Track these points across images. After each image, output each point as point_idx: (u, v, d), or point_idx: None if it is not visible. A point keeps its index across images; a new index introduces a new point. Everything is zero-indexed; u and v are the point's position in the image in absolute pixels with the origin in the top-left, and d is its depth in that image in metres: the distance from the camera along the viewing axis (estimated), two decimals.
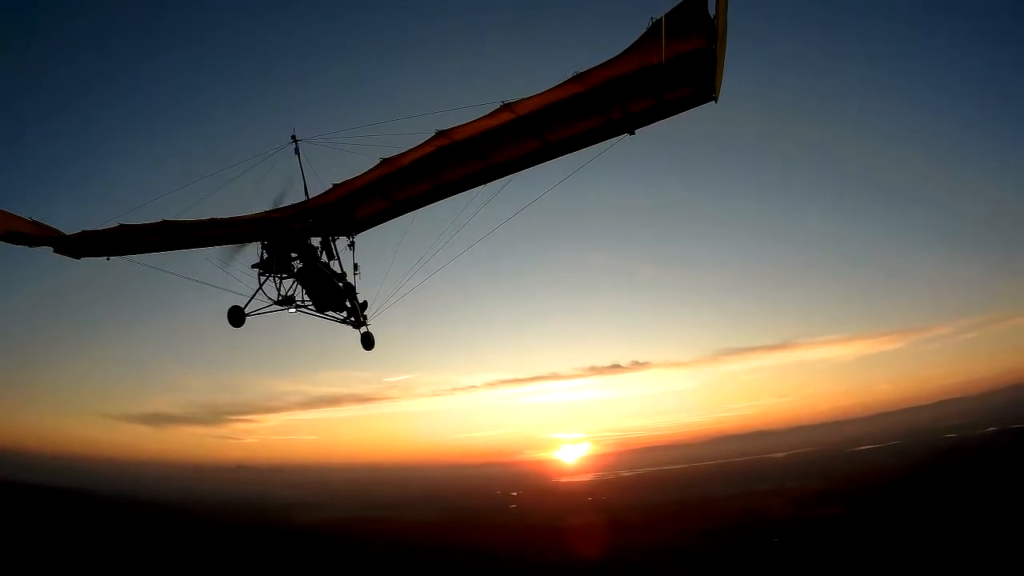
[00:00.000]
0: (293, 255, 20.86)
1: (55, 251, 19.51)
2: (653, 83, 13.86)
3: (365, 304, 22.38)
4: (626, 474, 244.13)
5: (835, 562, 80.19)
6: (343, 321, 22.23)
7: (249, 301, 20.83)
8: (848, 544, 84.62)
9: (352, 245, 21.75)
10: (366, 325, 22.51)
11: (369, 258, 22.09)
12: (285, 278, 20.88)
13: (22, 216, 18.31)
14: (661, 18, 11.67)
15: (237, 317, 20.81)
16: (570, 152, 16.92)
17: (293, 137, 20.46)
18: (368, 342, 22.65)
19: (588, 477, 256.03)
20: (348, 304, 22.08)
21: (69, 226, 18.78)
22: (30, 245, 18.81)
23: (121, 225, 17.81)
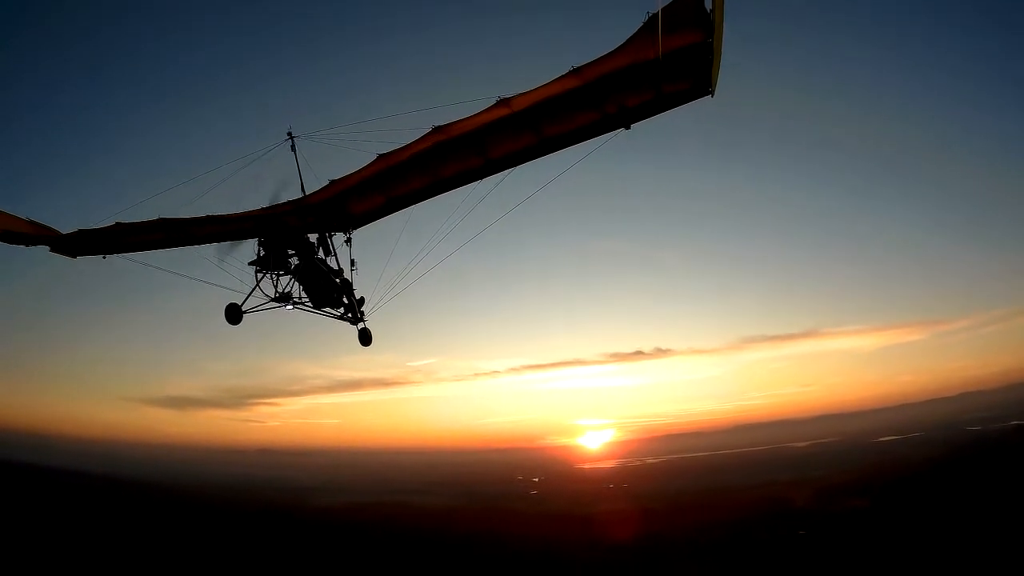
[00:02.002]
0: (290, 252, 20.81)
1: (51, 250, 19.53)
2: (650, 77, 13.71)
3: (362, 300, 22.28)
4: (650, 460, 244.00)
5: (861, 556, 79.62)
6: (340, 317, 22.17)
7: (246, 298, 20.79)
8: (873, 538, 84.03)
9: (349, 241, 21.69)
10: (363, 321, 22.43)
11: (368, 254, 21.93)
12: (282, 275, 20.84)
13: (19, 215, 18.34)
14: (658, 12, 11.50)
15: (234, 314, 20.75)
16: (567, 147, 16.76)
17: (289, 134, 20.41)
18: (365, 338, 22.54)
19: (611, 463, 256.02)
20: (345, 300, 22.00)
21: (65, 224, 18.80)
22: (27, 244, 18.81)
23: (117, 224, 17.78)
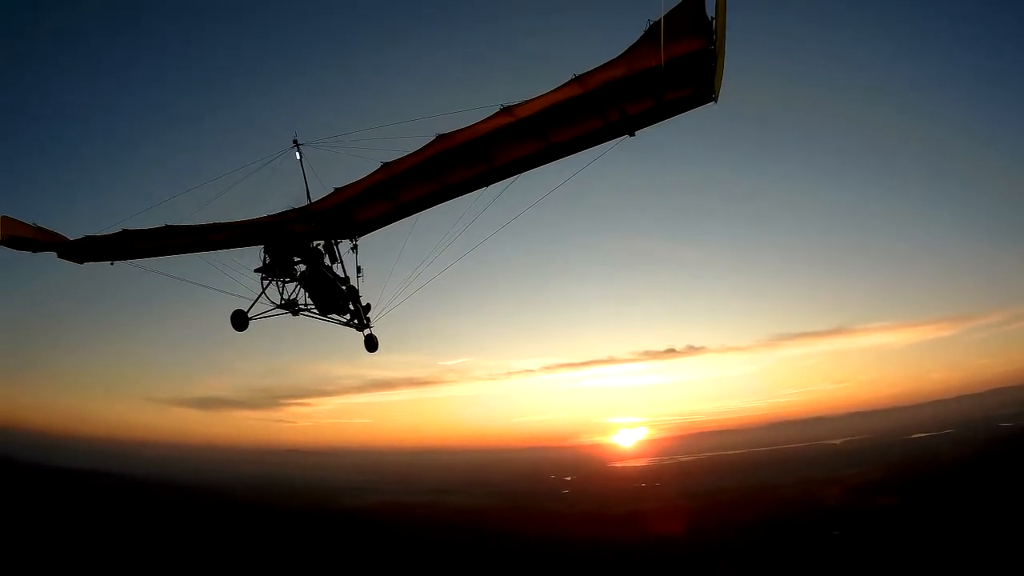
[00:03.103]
0: (296, 259, 20.98)
1: (59, 256, 19.60)
2: (652, 85, 13.64)
3: (368, 307, 22.44)
4: (683, 459, 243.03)
5: (896, 556, 78.76)
6: (347, 324, 22.27)
7: (252, 305, 20.85)
8: (907, 538, 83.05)
9: (355, 248, 21.86)
10: (369, 327, 22.59)
11: (375, 259, 21.99)
12: (288, 282, 20.95)
13: (26, 221, 18.45)
14: (660, 20, 11.45)
15: (240, 321, 20.83)
16: (571, 154, 16.73)
17: (295, 141, 20.46)
18: (372, 344, 22.71)
19: (644, 462, 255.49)
20: (351, 307, 22.11)
21: (71, 231, 18.91)
22: (33, 250, 18.96)
23: (124, 230, 17.82)
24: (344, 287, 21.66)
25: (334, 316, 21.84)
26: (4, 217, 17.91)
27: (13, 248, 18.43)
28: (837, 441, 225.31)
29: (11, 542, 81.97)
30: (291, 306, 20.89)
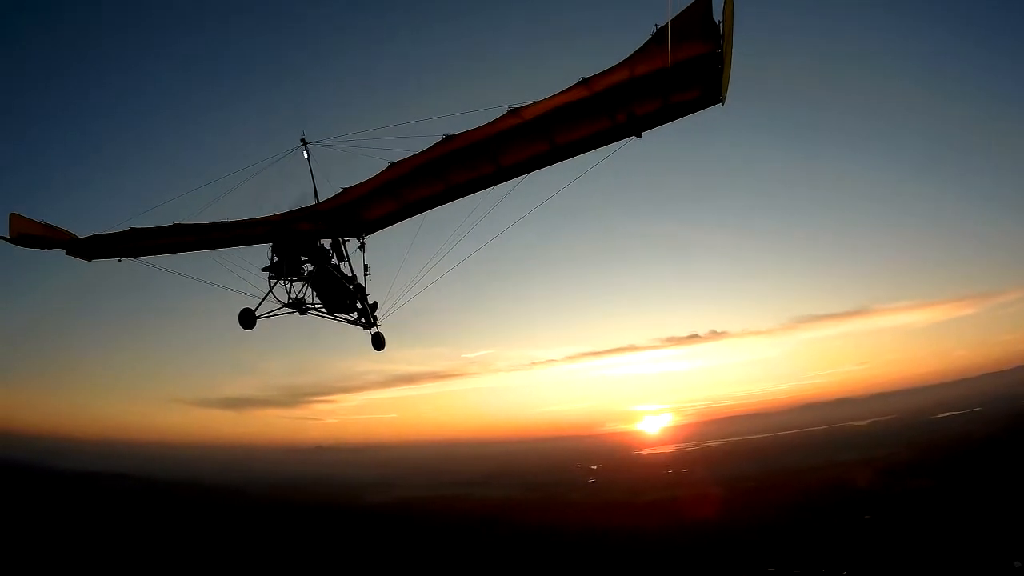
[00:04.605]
0: (303, 258, 20.88)
1: (67, 253, 19.69)
2: (659, 87, 13.67)
3: (375, 305, 22.38)
4: (710, 444, 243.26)
5: (929, 538, 78.24)
6: (354, 322, 22.22)
7: (260, 304, 20.74)
8: (941, 519, 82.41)
9: (363, 246, 21.74)
10: (376, 326, 22.54)
11: (383, 256, 21.98)
12: (295, 281, 20.84)
13: (35, 219, 18.54)
14: (667, 24, 11.51)
15: (248, 320, 20.73)
16: (578, 154, 16.70)
17: (303, 140, 20.38)
18: (379, 343, 22.71)
19: (670, 448, 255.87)
20: (359, 306, 22.07)
21: (78, 229, 19.03)
22: (42, 248, 19.05)
23: (132, 228, 17.97)
24: (351, 286, 21.66)
25: (341, 315, 21.88)
26: (13, 214, 18.03)
27: (22, 245, 18.47)
28: (863, 422, 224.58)
29: (43, 547, 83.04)
30: (298, 305, 20.84)
